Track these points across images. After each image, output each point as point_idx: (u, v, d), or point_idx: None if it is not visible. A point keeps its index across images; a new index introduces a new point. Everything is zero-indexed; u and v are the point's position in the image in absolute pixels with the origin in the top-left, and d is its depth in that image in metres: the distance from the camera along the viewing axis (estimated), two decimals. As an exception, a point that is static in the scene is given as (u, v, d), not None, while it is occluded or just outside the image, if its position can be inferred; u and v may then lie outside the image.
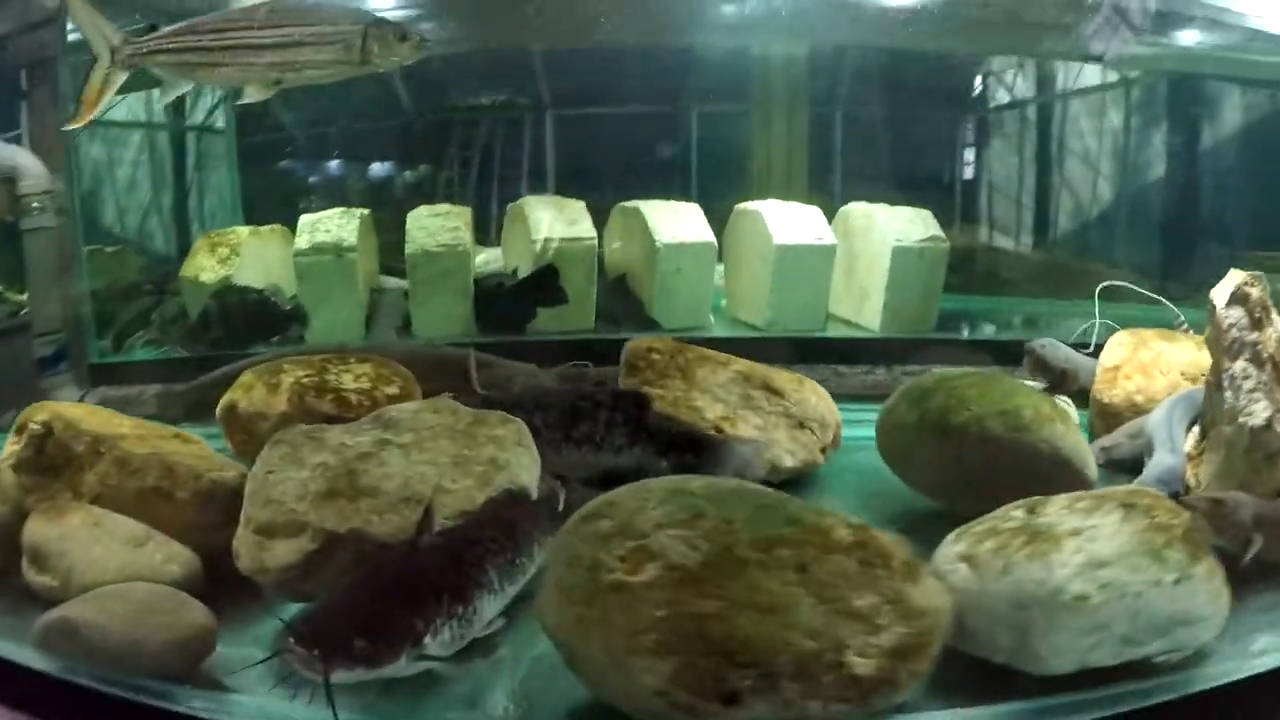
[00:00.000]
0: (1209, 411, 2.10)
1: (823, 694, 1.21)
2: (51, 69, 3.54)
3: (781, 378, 2.43)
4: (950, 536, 1.53)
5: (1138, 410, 2.45)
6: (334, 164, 4.98)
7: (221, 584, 1.87)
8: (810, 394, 2.44)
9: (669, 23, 4.15)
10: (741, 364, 2.46)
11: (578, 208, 3.71)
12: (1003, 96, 5.50)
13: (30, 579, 1.85)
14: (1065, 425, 2.05)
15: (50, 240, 3.49)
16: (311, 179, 4.82)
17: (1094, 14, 4.99)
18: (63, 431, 2.01)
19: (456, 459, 1.85)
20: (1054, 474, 1.95)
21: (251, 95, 2.16)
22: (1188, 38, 4.06)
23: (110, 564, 1.83)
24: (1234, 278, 2.01)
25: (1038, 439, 1.97)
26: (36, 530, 1.88)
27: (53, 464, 2.01)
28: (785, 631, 1.21)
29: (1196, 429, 2.15)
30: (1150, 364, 2.52)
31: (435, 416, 1.97)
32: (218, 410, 2.40)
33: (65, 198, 3.52)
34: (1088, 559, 1.37)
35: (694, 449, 2.22)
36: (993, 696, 1.34)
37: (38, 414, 2.04)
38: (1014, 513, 1.53)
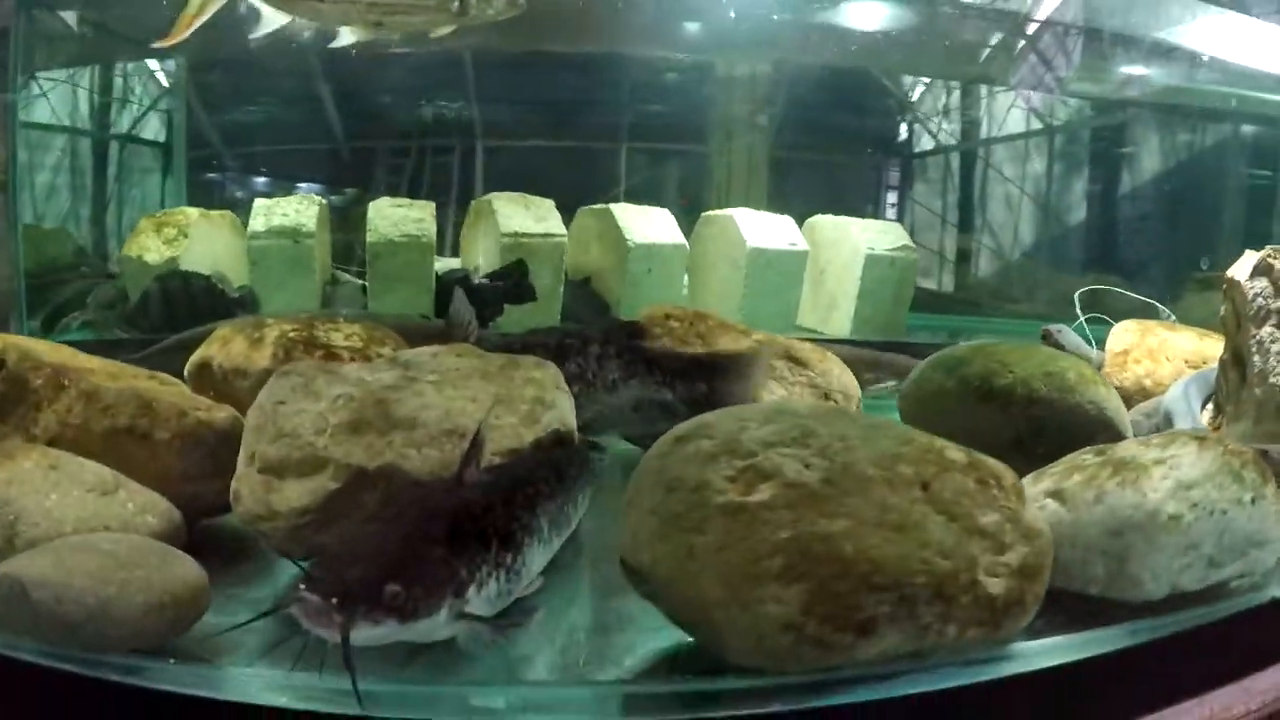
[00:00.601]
0: (1222, 388, 2.12)
1: (960, 617, 1.08)
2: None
3: (804, 349, 2.18)
4: (1028, 479, 1.44)
5: (1146, 393, 2.42)
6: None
7: (205, 543, 1.50)
8: (833, 365, 2.20)
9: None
10: (761, 334, 2.20)
11: (546, 205, 3.45)
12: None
13: (-43, 536, 1.42)
14: (1106, 388, 2.00)
15: None
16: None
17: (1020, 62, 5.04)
18: (18, 363, 1.61)
19: (498, 396, 1.52)
20: (1097, 434, 1.87)
21: (351, 37, 1.92)
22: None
23: (69, 514, 1.41)
24: (1251, 256, 2.03)
25: (1084, 400, 1.92)
26: (-24, 474, 1.43)
27: (3, 401, 1.60)
28: (920, 550, 1.07)
29: (1210, 406, 2.17)
30: (1158, 350, 2.51)
31: (459, 360, 1.64)
32: (187, 368, 2.01)
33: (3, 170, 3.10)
34: (1176, 482, 1.33)
35: (707, 373, 1.96)
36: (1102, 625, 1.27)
37: (-14, 344, 1.64)
38: (1084, 457, 1.47)
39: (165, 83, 4.26)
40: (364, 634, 0.99)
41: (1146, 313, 2.89)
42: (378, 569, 1.03)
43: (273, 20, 2.07)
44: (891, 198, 5.77)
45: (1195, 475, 1.34)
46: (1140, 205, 4.78)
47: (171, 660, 1.21)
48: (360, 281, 3.34)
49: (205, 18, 2.04)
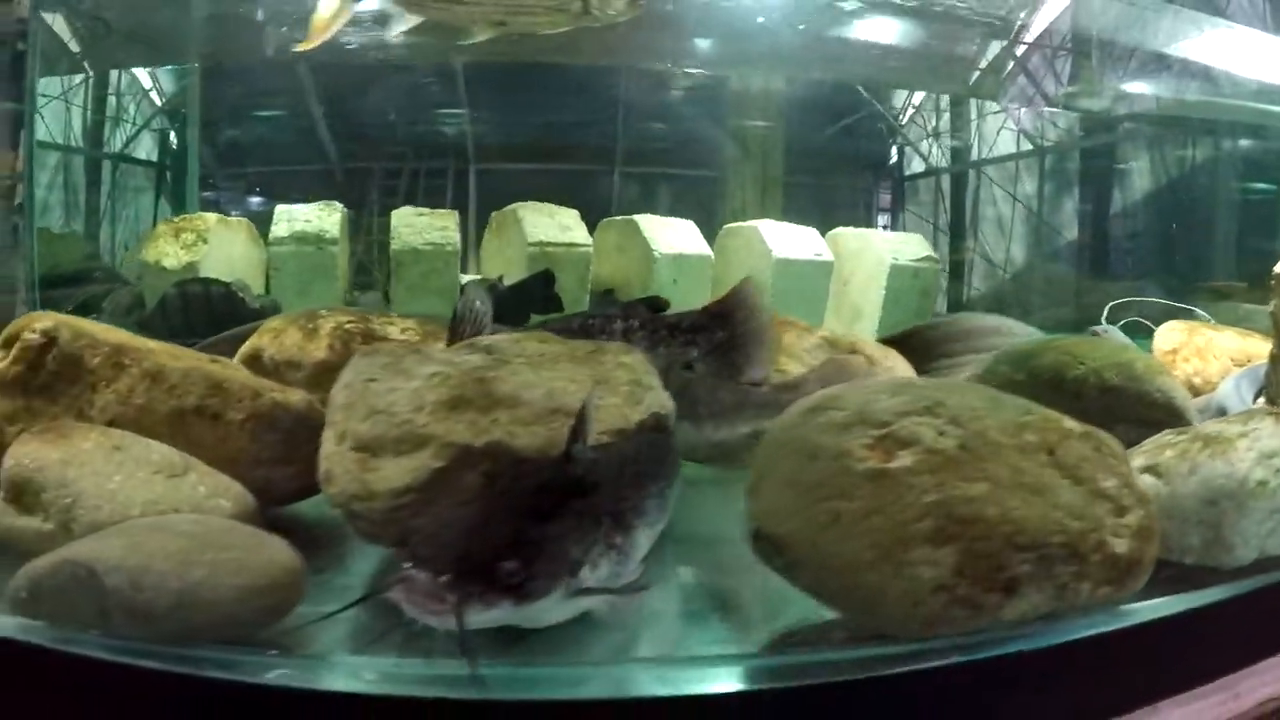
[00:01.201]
0: (1272, 382, 2.09)
1: (1092, 576, 1.09)
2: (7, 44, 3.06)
3: (869, 346, 2.08)
4: None
5: (1195, 390, 2.38)
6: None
7: (278, 531, 1.35)
8: (897, 362, 2.10)
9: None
10: (826, 332, 2.10)
11: (571, 215, 3.33)
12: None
13: (6, 525, 1.26)
14: (1171, 377, 2.03)
15: None
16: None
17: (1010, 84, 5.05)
18: (71, 341, 1.46)
19: (596, 377, 1.41)
20: (1166, 421, 1.86)
21: (477, 36, 1.97)
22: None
23: (135, 497, 1.26)
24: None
25: (1153, 388, 1.92)
26: (26, 454, 1.29)
27: (52, 382, 1.45)
28: (1053, 511, 1.08)
29: (1261, 400, 2.15)
30: (1205, 348, 2.49)
31: (542, 345, 1.52)
32: (235, 360, 1.87)
33: (11, 176, 2.96)
34: (1260, 452, 1.37)
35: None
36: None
37: (37, 321, 1.48)
38: (1166, 437, 1.50)
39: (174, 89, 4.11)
40: (477, 617, 0.89)
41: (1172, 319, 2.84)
42: (491, 545, 0.93)
43: (403, 21, 2.07)
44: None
45: (1275, 445, 1.38)
46: (1152, 219, 4.78)
47: (273, 651, 1.06)
48: (377, 294, 3.19)
49: (339, 25, 2.06)
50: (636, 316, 1.89)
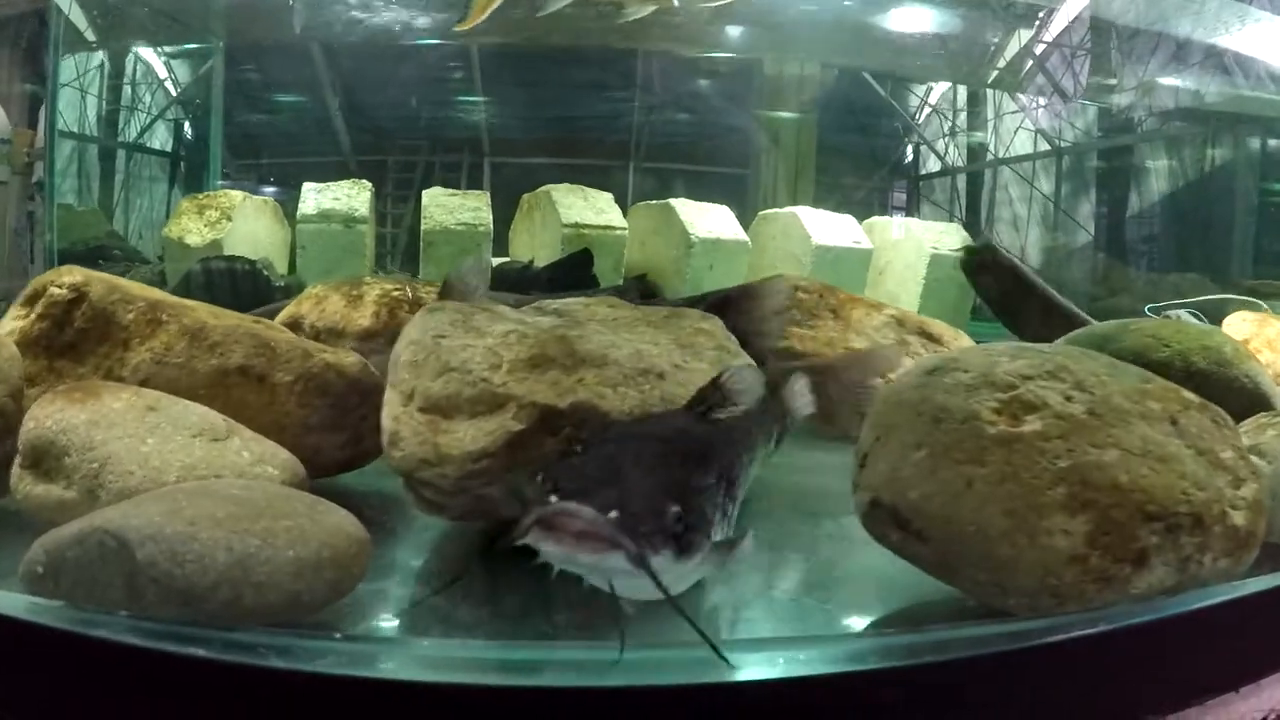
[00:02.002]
0: None
1: (1213, 547, 1.02)
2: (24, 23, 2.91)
3: (937, 326, 1.93)
4: None
5: None
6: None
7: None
8: (967, 344, 1.95)
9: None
10: (894, 309, 1.94)
11: (605, 198, 3.18)
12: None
13: (24, 493, 1.10)
14: (1258, 363, 1.92)
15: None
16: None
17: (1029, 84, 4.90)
18: (103, 297, 1.30)
19: (678, 342, 1.25)
20: (1253, 405, 1.77)
21: (633, 13, 2.01)
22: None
23: (171, 461, 1.10)
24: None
25: (1241, 373, 1.84)
26: (49, 415, 1.12)
27: (80, 340, 1.29)
28: (1179, 481, 1.02)
29: None
30: (1276, 339, 2.36)
31: (613, 310, 1.38)
32: (272, 325, 1.71)
33: (26, 153, 2.80)
34: None
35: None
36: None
37: (65, 275, 1.32)
38: (1264, 418, 1.48)
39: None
40: (647, 567, 0.72)
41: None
42: (662, 487, 0.78)
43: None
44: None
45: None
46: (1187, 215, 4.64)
47: (338, 635, 0.90)
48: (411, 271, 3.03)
49: (496, 5, 2.13)
50: (630, 297, 1.68)
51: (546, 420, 1.08)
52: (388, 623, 1.06)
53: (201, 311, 1.32)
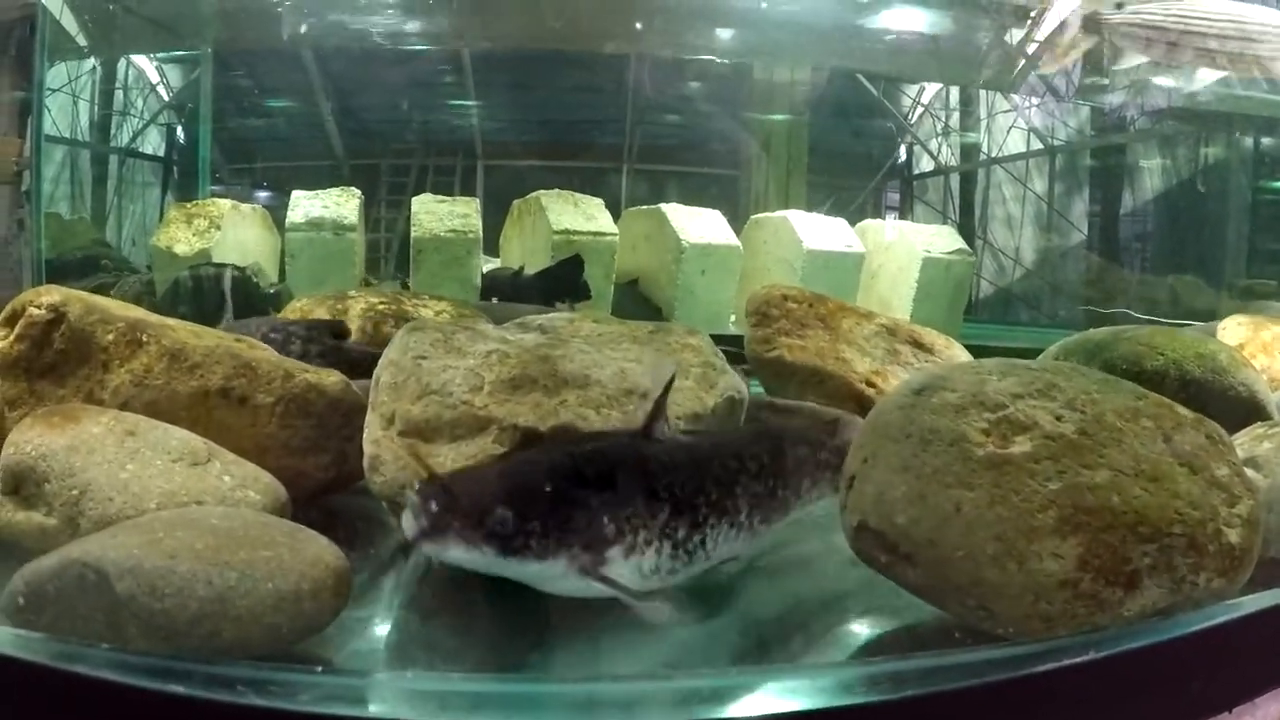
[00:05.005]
0: None
1: (1208, 566, 1.01)
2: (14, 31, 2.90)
3: (929, 335, 1.91)
4: None
5: None
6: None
7: (312, 527, 1.18)
8: (959, 353, 1.93)
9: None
10: (884, 318, 1.93)
11: (596, 203, 3.16)
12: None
13: (4, 520, 1.09)
14: (1254, 370, 1.88)
15: None
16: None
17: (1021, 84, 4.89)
18: (83, 317, 1.28)
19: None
20: (1248, 415, 1.75)
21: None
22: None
23: (151, 488, 1.09)
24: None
25: (1236, 382, 1.81)
26: (29, 441, 1.11)
27: (60, 362, 1.27)
28: (1173, 501, 1.01)
29: None
30: (1271, 344, 2.31)
31: (599, 325, 1.36)
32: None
33: (15, 162, 2.78)
34: None
35: None
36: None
37: (43, 295, 1.30)
38: (1258, 430, 1.45)
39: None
40: (457, 554, 0.86)
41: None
42: (494, 492, 0.87)
43: (1131, 58, 2.29)
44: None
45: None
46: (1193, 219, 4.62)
47: (319, 669, 0.88)
48: (402, 277, 3.01)
49: (1078, 54, 2.36)
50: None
51: (528, 443, 1.06)
52: (371, 649, 1.04)
53: (182, 332, 1.30)
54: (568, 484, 0.91)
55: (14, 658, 0.83)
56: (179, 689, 0.79)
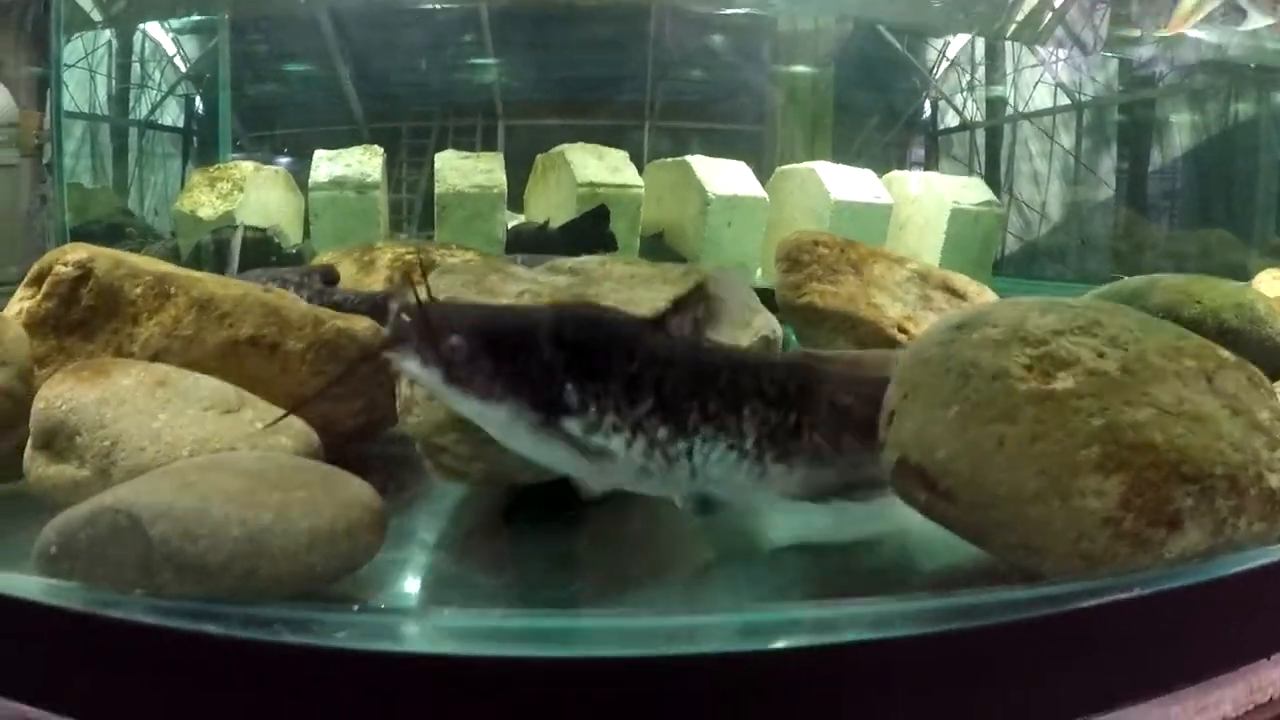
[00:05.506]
0: None
1: (1249, 510, 0.98)
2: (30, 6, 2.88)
3: (961, 280, 1.88)
4: None
5: None
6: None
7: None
8: (992, 300, 1.89)
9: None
10: (916, 263, 1.89)
11: (619, 156, 3.12)
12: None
13: (37, 474, 1.09)
14: None
15: (9, 181, 2.72)
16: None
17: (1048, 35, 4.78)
18: (110, 272, 1.28)
19: (698, 298, 1.21)
20: None
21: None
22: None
23: (183, 436, 1.09)
24: None
25: (1274, 332, 1.80)
26: (59, 395, 1.11)
27: (88, 318, 1.27)
28: (1216, 442, 0.98)
29: None
30: None
31: (630, 267, 1.34)
32: (283, 296, 1.68)
33: (36, 135, 2.78)
34: None
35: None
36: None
37: (70, 253, 1.30)
38: None
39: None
40: (411, 368, 0.90)
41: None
42: (461, 322, 0.91)
43: (1258, 19, 2.21)
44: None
45: None
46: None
47: (355, 607, 0.88)
48: (426, 235, 3.00)
49: (1202, 14, 2.25)
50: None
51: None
52: (407, 589, 1.04)
53: (210, 283, 1.30)
54: (540, 340, 0.90)
55: (48, 604, 0.83)
56: (215, 629, 0.79)
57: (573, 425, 0.91)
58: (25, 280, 1.34)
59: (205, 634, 0.79)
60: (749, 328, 1.21)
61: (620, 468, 0.94)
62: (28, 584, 0.85)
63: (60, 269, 1.29)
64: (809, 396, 1.06)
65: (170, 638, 0.80)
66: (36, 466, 1.11)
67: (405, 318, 0.89)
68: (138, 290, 1.27)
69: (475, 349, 0.89)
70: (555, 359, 0.91)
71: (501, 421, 0.91)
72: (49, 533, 0.89)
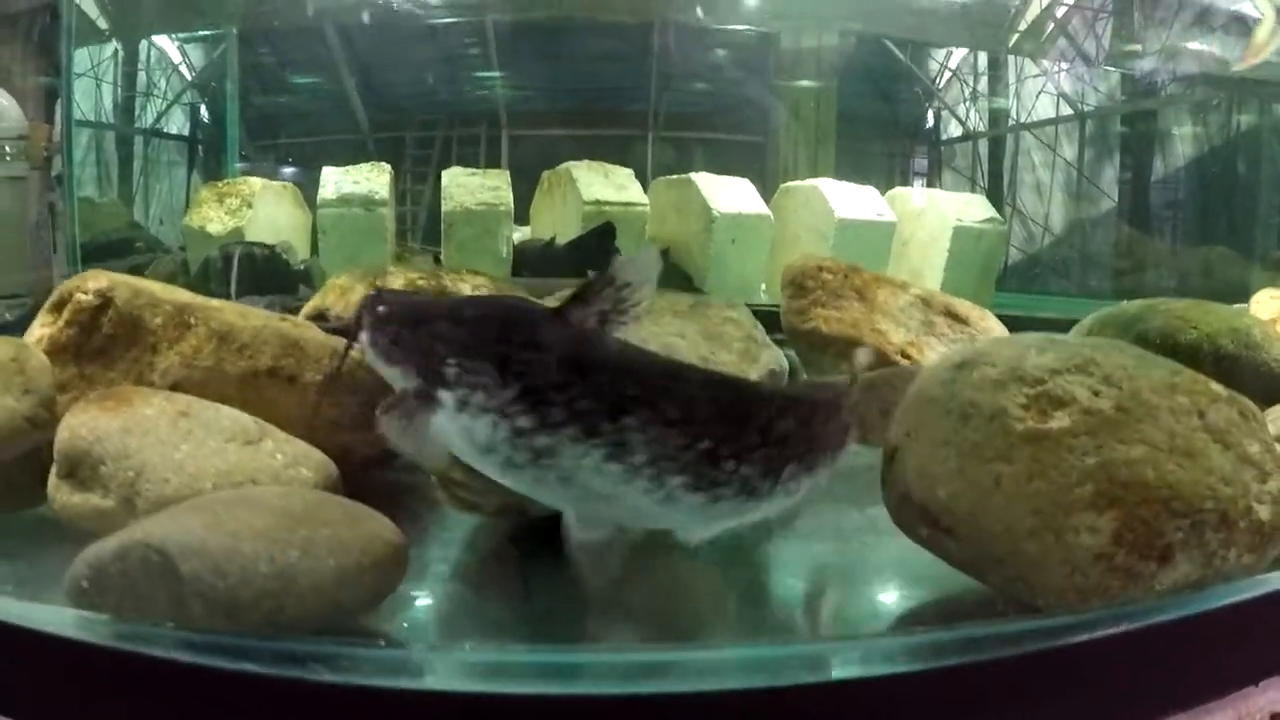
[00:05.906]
0: None
1: (1238, 542, 1.02)
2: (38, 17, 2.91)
3: (963, 305, 1.91)
4: None
5: None
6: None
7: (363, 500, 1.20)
8: (994, 324, 1.93)
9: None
10: (919, 289, 1.92)
11: (625, 174, 3.15)
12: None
13: (61, 502, 1.11)
14: None
15: (18, 193, 2.74)
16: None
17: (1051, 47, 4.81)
18: (129, 301, 1.30)
19: (705, 333, 1.24)
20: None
21: None
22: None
23: (206, 468, 1.11)
24: None
25: (1270, 357, 1.81)
26: (83, 424, 1.12)
27: (109, 346, 1.30)
28: (1206, 477, 1.01)
29: None
30: None
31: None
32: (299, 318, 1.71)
33: (44, 147, 2.80)
34: None
35: None
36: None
37: (90, 281, 1.32)
38: None
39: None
40: (363, 337, 0.97)
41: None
42: (396, 299, 1.00)
43: None
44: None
45: None
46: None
47: (381, 642, 0.91)
48: (434, 250, 3.02)
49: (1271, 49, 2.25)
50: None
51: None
52: (422, 621, 1.06)
53: (229, 313, 1.32)
54: (438, 315, 0.95)
55: (80, 641, 0.85)
56: (246, 666, 0.81)
57: (446, 398, 0.91)
58: (46, 306, 1.37)
59: (237, 671, 0.82)
60: (757, 363, 1.23)
61: (488, 456, 0.91)
62: (60, 616, 0.88)
63: (81, 297, 1.31)
64: (730, 421, 0.93)
65: (202, 674, 0.82)
66: (61, 494, 1.13)
67: (363, 301, 0.99)
68: (158, 320, 1.29)
69: (390, 314, 0.96)
70: (447, 334, 0.93)
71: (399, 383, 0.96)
72: (80, 566, 0.91)
